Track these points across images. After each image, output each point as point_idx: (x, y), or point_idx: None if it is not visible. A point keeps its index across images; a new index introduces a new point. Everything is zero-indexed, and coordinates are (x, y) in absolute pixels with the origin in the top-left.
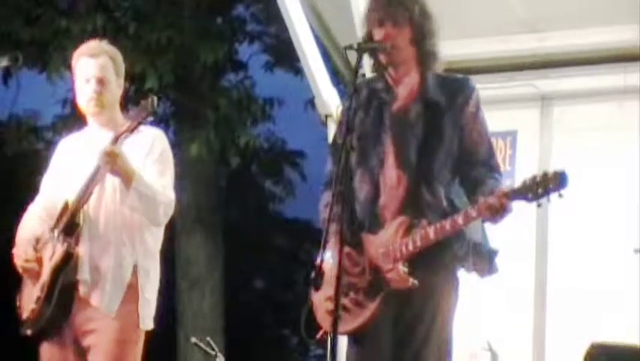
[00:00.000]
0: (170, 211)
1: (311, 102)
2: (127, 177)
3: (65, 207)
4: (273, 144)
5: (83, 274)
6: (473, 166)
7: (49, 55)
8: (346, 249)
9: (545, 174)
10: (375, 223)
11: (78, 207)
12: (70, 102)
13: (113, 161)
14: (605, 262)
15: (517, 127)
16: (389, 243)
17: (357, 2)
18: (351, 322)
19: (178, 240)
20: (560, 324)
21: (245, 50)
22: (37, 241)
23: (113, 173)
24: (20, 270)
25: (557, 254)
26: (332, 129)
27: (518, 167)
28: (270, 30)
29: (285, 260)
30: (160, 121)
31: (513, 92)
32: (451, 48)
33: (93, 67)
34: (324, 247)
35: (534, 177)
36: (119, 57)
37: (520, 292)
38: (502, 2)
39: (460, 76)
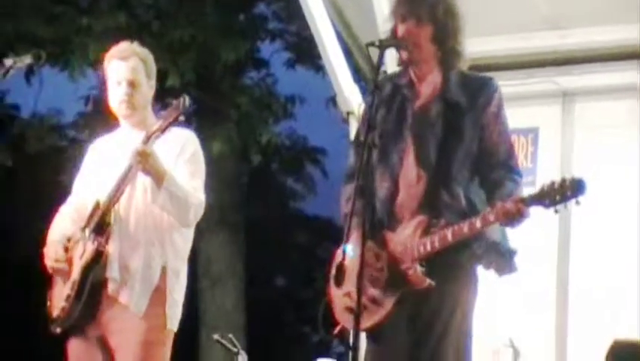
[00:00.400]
0: (200, 213)
1: (332, 100)
2: (158, 177)
3: (96, 206)
4: (294, 141)
5: (113, 272)
6: (493, 167)
7: (72, 53)
8: (369, 243)
9: (564, 181)
10: (393, 221)
11: (109, 207)
12: (92, 100)
13: (144, 160)
14: (627, 260)
15: (538, 124)
16: (407, 242)
17: (379, 0)
18: (367, 319)
19: (199, 238)
20: (581, 322)
21: (266, 48)
22: (69, 240)
23: (144, 172)
24: (50, 270)
25: (579, 253)
26: (353, 127)
27: (540, 164)
28: (291, 28)
29: (305, 258)
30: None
31: (534, 88)
32: (473, 45)
33: (124, 69)
34: (347, 241)
35: (552, 183)
36: (150, 58)
37: (542, 291)
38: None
39: (483, 75)
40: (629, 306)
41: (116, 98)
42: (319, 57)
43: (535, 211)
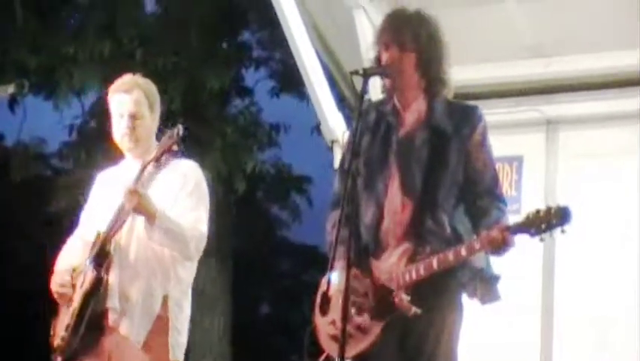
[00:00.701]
0: (202, 245)
1: (317, 128)
2: (150, 216)
3: (98, 237)
4: (279, 169)
5: (113, 302)
6: (478, 195)
7: (56, 82)
8: (355, 270)
9: (549, 209)
10: (378, 248)
11: (109, 237)
12: (76, 129)
13: (134, 200)
14: (611, 288)
15: (523, 152)
16: (392, 269)
17: (362, 27)
18: (353, 347)
19: None
20: (566, 350)
21: (251, 76)
22: (74, 270)
23: (135, 212)
24: (55, 295)
25: (564, 281)
26: (338, 155)
27: (524, 192)
28: (275, 56)
29: (291, 285)
30: None
31: (519, 117)
32: (457, 73)
33: (127, 102)
34: (332, 268)
35: (537, 212)
36: (153, 91)
37: (527, 318)
38: (508, 27)
39: (468, 103)
40: (614, 334)
41: (118, 131)
42: (304, 85)
43: (520, 239)
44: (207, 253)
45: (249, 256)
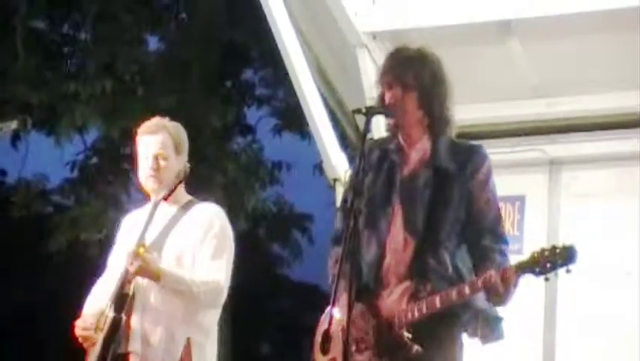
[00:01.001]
0: (217, 293)
1: (319, 166)
2: (153, 279)
3: (122, 279)
4: (280, 207)
5: (135, 346)
6: (480, 234)
7: (58, 118)
8: (357, 306)
9: (554, 248)
10: (379, 286)
11: (127, 279)
12: (78, 165)
13: (136, 264)
14: (613, 330)
15: (525, 192)
16: (394, 307)
17: (365, 66)
18: None
19: None
20: None
21: (253, 114)
22: (102, 314)
23: (138, 275)
24: (80, 339)
25: (566, 322)
26: (340, 193)
27: (526, 232)
28: (278, 94)
29: (291, 324)
30: None
31: (521, 156)
32: (460, 113)
33: (152, 144)
34: (333, 305)
35: (542, 251)
36: (181, 134)
37: (529, 359)
38: (511, 67)
39: (472, 143)
40: None
41: (143, 172)
42: (306, 124)
43: (523, 279)
44: None
45: (249, 293)
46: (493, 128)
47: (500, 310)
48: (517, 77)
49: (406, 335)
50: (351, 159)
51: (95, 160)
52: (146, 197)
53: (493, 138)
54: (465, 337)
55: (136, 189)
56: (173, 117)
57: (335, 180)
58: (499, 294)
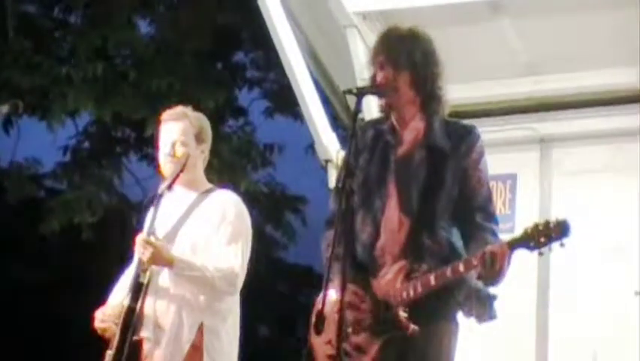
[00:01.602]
0: (232, 279)
1: (311, 147)
2: (165, 265)
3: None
4: (273, 189)
5: (147, 332)
6: (471, 212)
7: (50, 102)
8: (353, 286)
9: (547, 223)
10: (374, 266)
11: (144, 268)
12: (70, 149)
13: (148, 252)
14: (606, 305)
15: (516, 170)
16: (389, 287)
17: (355, 47)
18: None
19: None
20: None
21: (245, 96)
22: (121, 304)
23: (150, 263)
24: (99, 331)
25: (558, 298)
26: (332, 174)
27: (518, 210)
28: (269, 76)
29: (286, 306)
30: None
31: (512, 135)
32: (450, 92)
33: (173, 130)
34: (326, 287)
35: (536, 226)
36: (203, 123)
37: (522, 337)
38: (501, 46)
39: (466, 123)
40: (609, 352)
41: (163, 158)
42: (298, 105)
43: (515, 257)
44: None
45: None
46: (484, 106)
47: (494, 288)
48: (508, 56)
49: (402, 314)
50: (342, 140)
51: (87, 144)
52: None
53: (484, 116)
54: (460, 316)
55: (129, 173)
56: (165, 100)
57: (327, 161)
58: (493, 271)
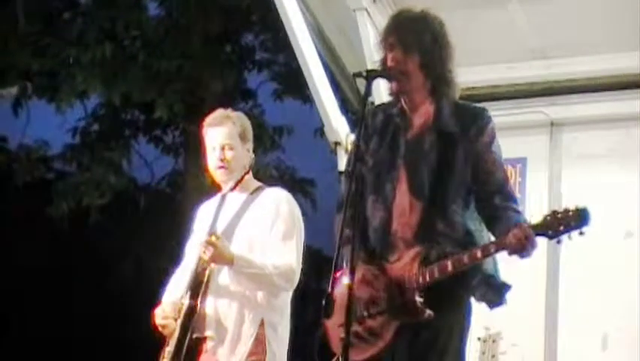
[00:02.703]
0: (292, 276)
1: (320, 130)
2: (227, 265)
3: (196, 266)
4: (282, 172)
5: (210, 330)
6: (489, 194)
7: (59, 84)
8: (369, 267)
9: (567, 211)
10: (387, 250)
11: (203, 267)
12: (79, 131)
13: (209, 252)
14: (616, 290)
15: (526, 154)
16: (405, 272)
17: (365, 29)
18: (365, 351)
19: None
20: (570, 354)
21: (254, 79)
22: (180, 302)
23: (212, 262)
24: (160, 328)
25: (568, 284)
26: (341, 157)
27: (528, 194)
28: (278, 58)
29: (296, 289)
30: (169, 150)
31: (522, 118)
32: (461, 75)
33: (218, 135)
34: (335, 270)
35: (555, 213)
36: (245, 122)
37: (531, 323)
38: (511, 29)
39: (476, 105)
40: (616, 331)
41: (212, 163)
42: (307, 88)
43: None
44: None
45: None
46: (494, 90)
47: (504, 275)
48: (518, 39)
49: (418, 299)
50: (352, 123)
51: (95, 127)
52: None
53: (494, 100)
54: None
55: (137, 156)
56: (174, 82)
57: (336, 143)
58: (521, 250)
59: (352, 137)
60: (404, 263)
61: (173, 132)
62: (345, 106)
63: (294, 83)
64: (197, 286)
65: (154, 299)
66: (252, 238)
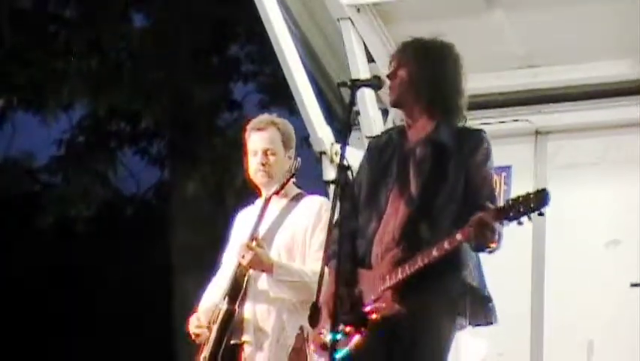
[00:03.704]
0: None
1: (306, 140)
2: (266, 271)
3: (235, 272)
4: None
5: (248, 335)
6: (473, 209)
7: (45, 96)
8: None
9: (528, 194)
10: (370, 257)
11: (242, 273)
12: (65, 143)
13: (249, 257)
14: (602, 298)
15: (511, 162)
16: (380, 272)
17: (349, 39)
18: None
19: (174, 279)
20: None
21: (240, 90)
22: (216, 309)
23: (250, 267)
24: (193, 336)
25: (553, 290)
26: (327, 166)
27: None
28: (264, 69)
29: None
30: (155, 161)
31: (507, 127)
32: None
33: (260, 139)
34: (321, 282)
35: (517, 197)
36: (289, 129)
37: (517, 330)
38: (497, 38)
39: (475, 128)
40: (603, 339)
41: (253, 167)
42: (292, 98)
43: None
44: (197, 266)
45: None
46: (479, 98)
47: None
48: (502, 47)
49: (390, 295)
50: (337, 133)
51: (81, 138)
52: (257, 193)
53: (479, 108)
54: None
55: (123, 167)
56: (160, 93)
57: (321, 153)
58: (483, 238)
59: (337, 147)
60: (380, 266)
61: (158, 144)
62: (330, 116)
63: (279, 93)
64: (236, 291)
65: (143, 310)
66: (292, 245)
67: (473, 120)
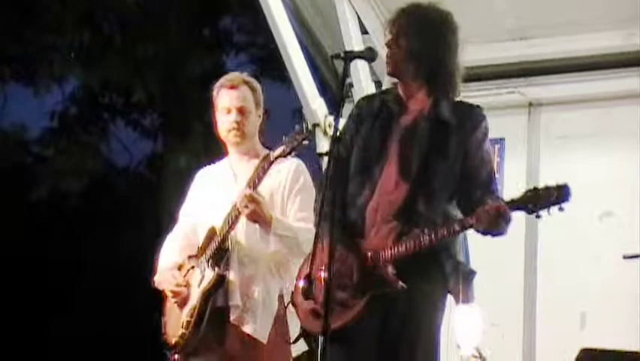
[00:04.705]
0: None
1: (299, 112)
2: (265, 223)
3: (211, 233)
4: None
5: (235, 300)
6: (473, 189)
7: (37, 69)
8: (343, 245)
9: (547, 187)
10: (365, 226)
11: (226, 234)
12: (58, 115)
13: (251, 206)
14: (595, 269)
15: (504, 134)
16: (379, 246)
17: (343, 12)
18: (335, 320)
19: None
20: (549, 333)
21: (232, 61)
22: (180, 267)
23: (250, 219)
24: (170, 294)
25: (546, 262)
26: (320, 139)
27: (506, 174)
28: (256, 40)
29: None
30: (148, 133)
31: (500, 99)
32: None
33: (233, 98)
34: (315, 250)
35: (535, 189)
36: (259, 88)
37: (510, 303)
38: (489, 10)
39: (472, 104)
40: (597, 314)
41: (224, 126)
42: (285, 70)
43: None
44: None
45: None
46: (472, 71)
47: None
48: (495, 20)
49: (391, 270)
50: (330, 104)
51: (74, 110)
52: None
53: (472, 81)
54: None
55: (116, 139)
56: (152, 66)
57: (315, 125)
58: (495, 224)
59: (331, 119)
60: (381, 235)
61: (151, 115)
62: (324, 88)
63: (272, 65)
64: (221, 255)
65: (134, 285)
66: (272, 205)
67: (467, 92)
